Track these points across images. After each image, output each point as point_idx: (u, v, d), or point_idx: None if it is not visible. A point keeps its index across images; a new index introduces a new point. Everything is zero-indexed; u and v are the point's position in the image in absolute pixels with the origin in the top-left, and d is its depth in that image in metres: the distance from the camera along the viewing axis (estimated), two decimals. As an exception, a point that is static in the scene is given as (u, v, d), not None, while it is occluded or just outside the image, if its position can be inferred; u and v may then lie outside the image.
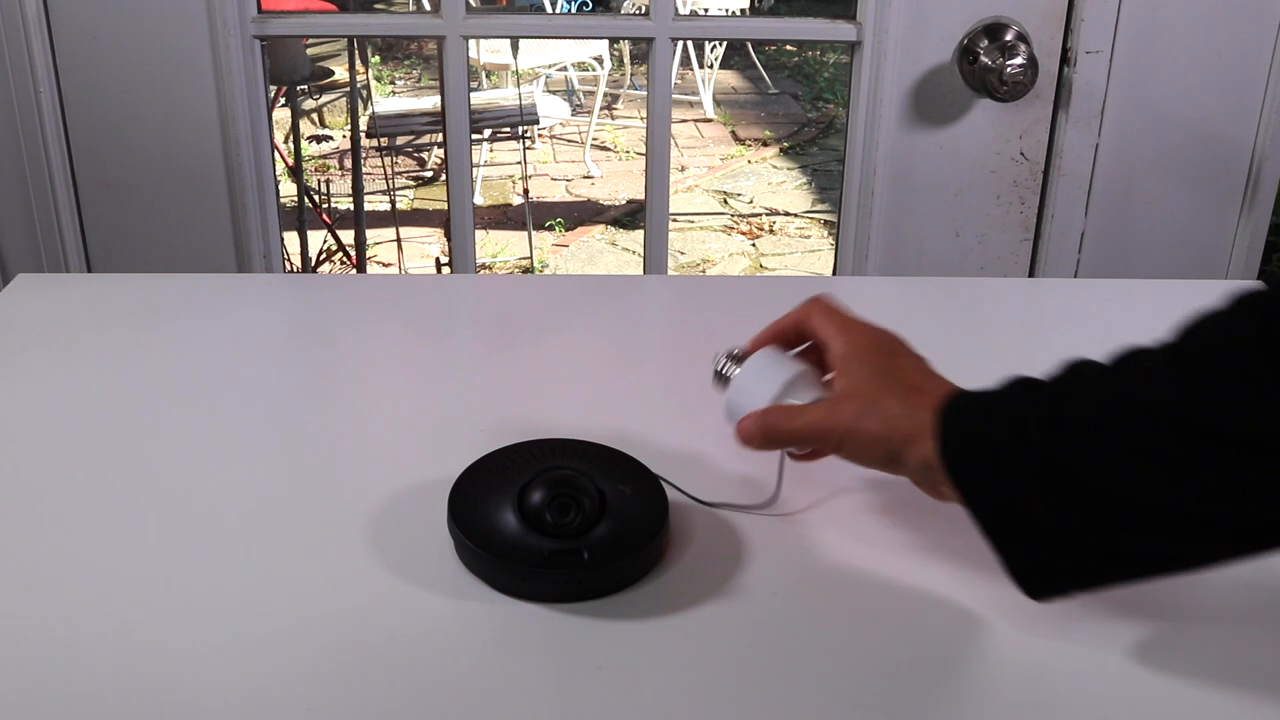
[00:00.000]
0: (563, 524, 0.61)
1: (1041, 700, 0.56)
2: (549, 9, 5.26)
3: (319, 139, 4.70)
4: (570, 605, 0.61)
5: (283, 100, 3.72)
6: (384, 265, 3.66)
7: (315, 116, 4.71)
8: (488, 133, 4.17)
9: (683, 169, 4.77)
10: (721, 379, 0.68)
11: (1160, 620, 0.61)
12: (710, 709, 0.55)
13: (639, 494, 0.66)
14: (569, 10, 5.52)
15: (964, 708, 0.56)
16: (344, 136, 4.61)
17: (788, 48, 6.46)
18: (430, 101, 4.35)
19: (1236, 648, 0.60)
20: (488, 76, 4.71)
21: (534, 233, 4.01)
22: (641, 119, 4.91)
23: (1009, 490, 0.54)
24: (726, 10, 5.15)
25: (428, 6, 5.04)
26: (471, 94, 2.39)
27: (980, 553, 0.66)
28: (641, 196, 2.62)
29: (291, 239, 2.93)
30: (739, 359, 0.68)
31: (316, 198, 3.55)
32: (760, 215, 4.41)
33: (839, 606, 0.62)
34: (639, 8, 5.16)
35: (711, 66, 5.47)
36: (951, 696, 0.56)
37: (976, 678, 0.57)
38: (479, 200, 4.32)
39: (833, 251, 1.95)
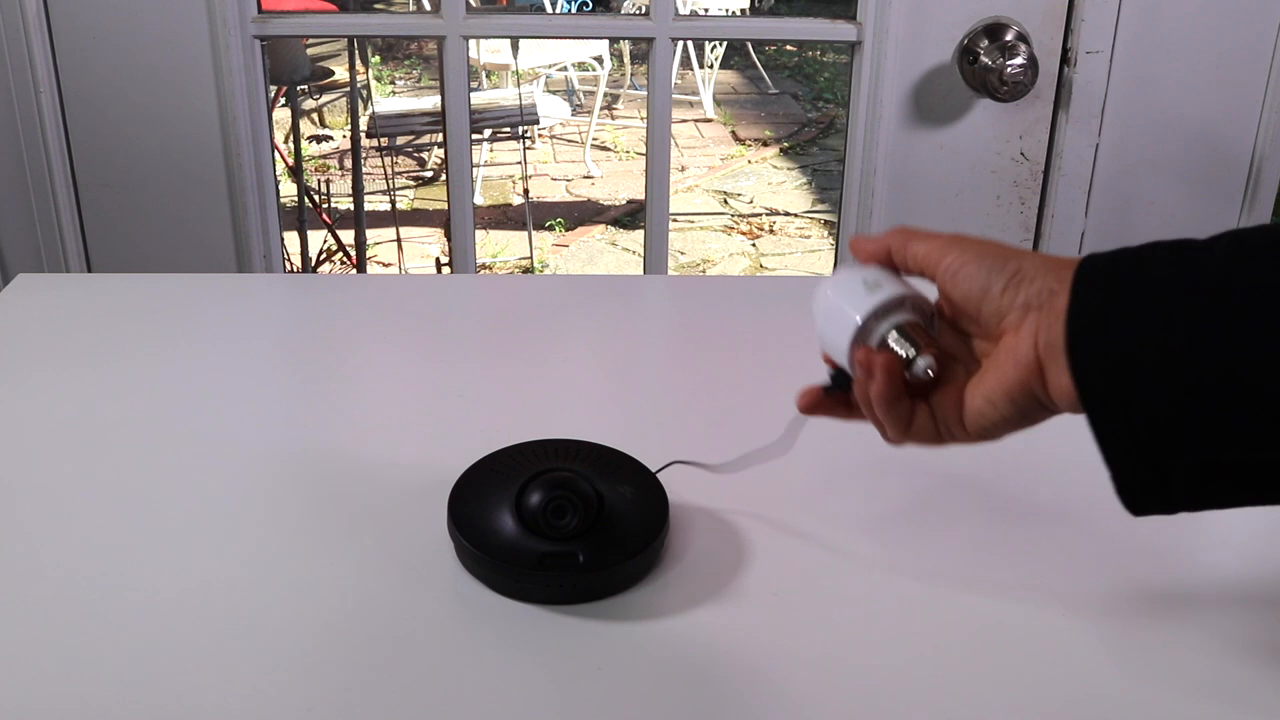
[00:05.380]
0: (559, 526, 0.61)
1: (1041, 702, 0.56)
2: (549, 9, 5.26)
3: (319, 139, 4.70)
4: (570, 606, 0.61)
5: (283, 100, 3.72)
6: (384, 265, 3.66)
7: (315, 116, 4.71)
8: (488, 133, 4.17)
9: (683, 169, 4.77)
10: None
11: (1167, 619, 0.61)
12: (710, 709, 0.55)
13: (639, 496, 0.66)
14: (569, 10, 5.52)
15: (964, 708, 0.56)
16: (344, 136, 4.61)
17: (788, 48, 6.46)
18: (430, 101, 4.35)
19: (1234, 658, 0.60)
20: (488, 76, 4.71)
21: (534, 233, 4.01)
22: (641, 119, 4.91)
23: (1145, 354, 0.47)
24: (726, 10, 5.15)
25: (428, 6, 5.04)
26: (471, 94, 2.39)
27: (980, 554, 0.66)
28: (641, 196, 2.62)
29: (291, 239, 2.93)
30: None
31: (316, 198, 3.55)
32: (760, 215, 4.41)
33: (839, 607, 0.62)
34: (639, 8, 5.16)
35: (711, 66, 5.47)
36: (951, 697, 0.56)
37: (976, 679, 0.57)
38: (479, 200, 4.32)
39: (833, 251, 1.95)
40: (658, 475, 0.68)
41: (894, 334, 0.57)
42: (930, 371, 0.56)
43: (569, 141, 5.08)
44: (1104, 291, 0.49)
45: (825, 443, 0.64)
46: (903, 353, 0.56)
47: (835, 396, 0.60)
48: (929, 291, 0.58)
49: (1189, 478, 0.48)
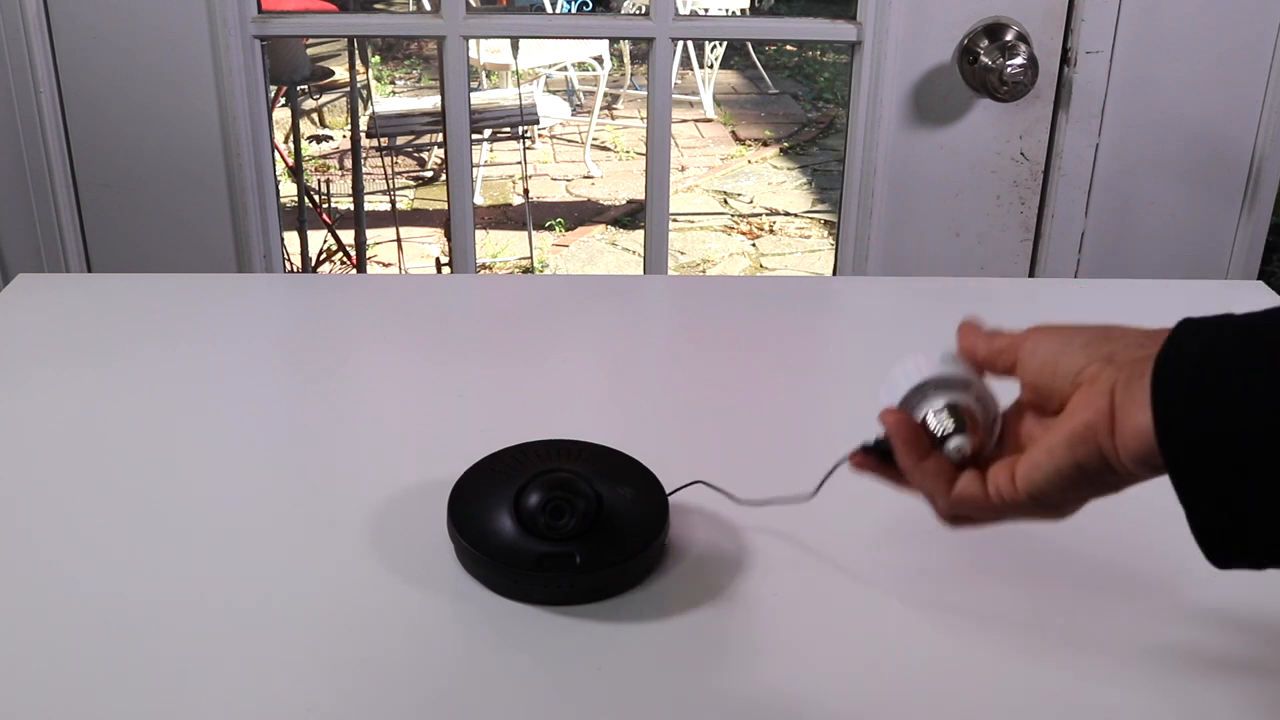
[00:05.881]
0: (557, 527, 0.61)
1: (1041, 705, 0.56)
2: (549, 9, 5.25)
3: (319, 139, 4.70)
4: (569, 607, 0.61)
5: (283, 100, 3.72)
6: (384, 265, 3.66)
7: (315, 116, 4.71)
8: (488, 133, 4.17)
9: (683, 169, 4.77)
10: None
11: (1165, 631, 0.61)
12: (710, 710, 0.55)
13: (639, 497, 0.65)
14: (569, 10, 5.52)
15: (963, 711, 0.56)
16: (344, 136, 4.61)
17: (788, 48, 6.46)
18: (430, 101, 4.35)
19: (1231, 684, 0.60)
20: (488, 76, 4.71)
21: (534, 233, 4.01)
22: (641, 119, 4.91)
23: (1232, 413, 0.44)
24: (726, 10, 5.15)
25: (428, 6, 5.04)
26: (471, 94, 2.39)
27: (981, 563, 0.66)
28: (641, 196, 2.62)
29: (291, 239, 2.93)
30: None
31: (316, 198, 3.55)
32: (760, 215, 4.41)
33: (838, 610, 0.62)
34: (639, 8, 5.16)
35: (711, 66, 5.47)
36: (951, 700, 0.56)
37: (975, 682, 0.57)
38: (479, 200, 4.32)
39: (833, 251, 1.95)
40: (678, 491, 0.67)
41: (944, 408, 0.55)
42: (962, 453, 0.54)
43: (569, 141, 5.08)
44: (1209, 338, 0.46)
45: (826, 448, 0.64)
46: (939, 428, 0.55)
47: (879, 459, 0.58)
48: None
49: (1272, 523, 0.44)
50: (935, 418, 0.55)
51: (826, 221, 4.34)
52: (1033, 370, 0.53)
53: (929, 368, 0.56)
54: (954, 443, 0.54)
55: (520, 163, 4.20)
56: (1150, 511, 0.66)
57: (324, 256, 3.21)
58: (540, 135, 5.01)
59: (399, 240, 3.46)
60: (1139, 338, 0.49)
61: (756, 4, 6.02)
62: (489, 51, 4.50)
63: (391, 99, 5.16)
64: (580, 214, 4.37)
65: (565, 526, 0.61)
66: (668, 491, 0.67)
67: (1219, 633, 0.60)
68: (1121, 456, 0.48)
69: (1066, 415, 0.50)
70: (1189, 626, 0.61)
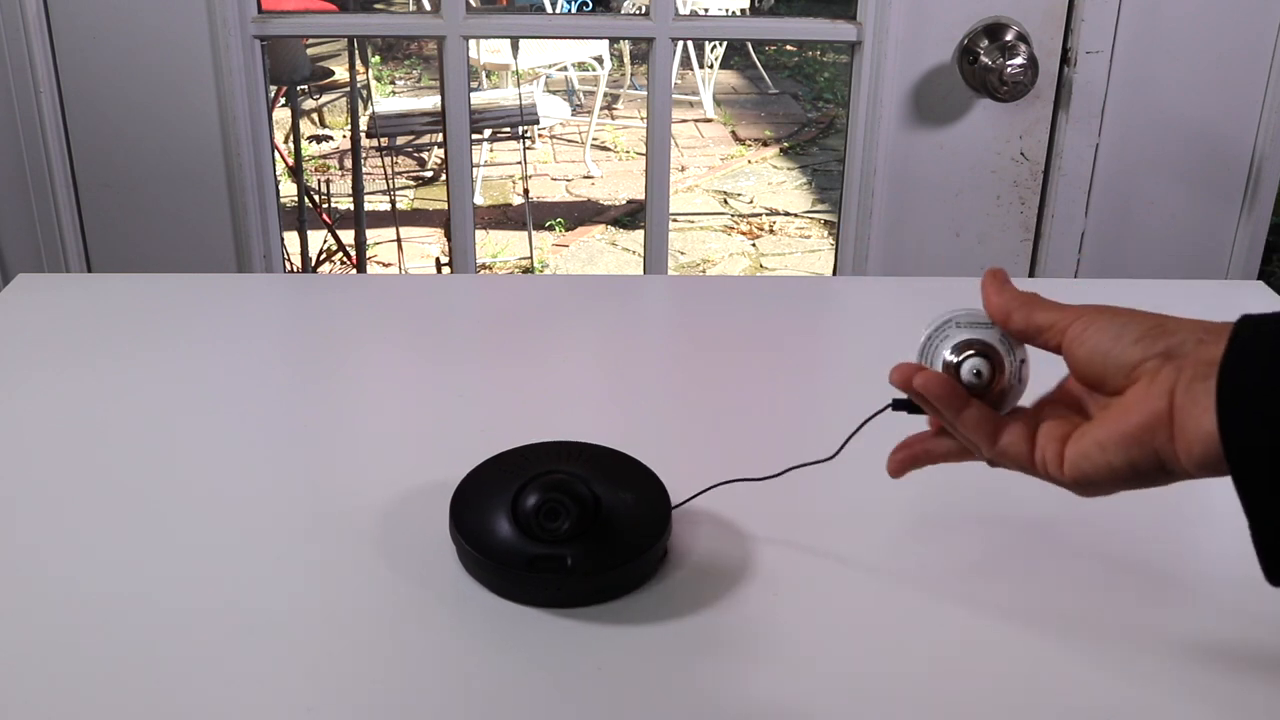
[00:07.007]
0: (551, 529, 0.61)
1: (1041, 707, 0.56)
2: (549, 9, 5.25)
3: (319, 139, 4.70)
4: (570, 609, 0.61)
5: (283, 100, 3.72)
6: (384, 265, 3.66)
7: (315, 116, 4.71)
8: (488, 133, 4.17)
9: (683, 169, 4.77)
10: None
11: (1166, 633, 0.61)
12: (710, 711, 0.55)
13: (640, 501, 0.65)
14: (569, 10, 5.52)
15: (963, 713, 0.56)
16: (344, 136, 4.61)
17: (788, 48, 6.46)
18: (430, 101, 4.35)
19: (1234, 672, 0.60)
20: (488, 76, 4.71)
21: (534, 233, 4.01)
22: (641, 119, 4.91)
23: None
24: (726, 10, 5.15)
25: (428, 6, 5.04)
26: (471, 94, 2.39)
27: (980, 558, 0.66)
28: (641, 196, 2.62)
29: (291, 239, 2.93)
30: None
31: (316, 198, 3.55)
32: (760, 215, 4.41)
33: (838, 613, 0.62)
34: (639, 8, 5.16)
35: (711, 66, 5.47)
36: (951, 702, 0.56)
37: (976, 683, 0.57)
38: (479, 200, 4.32)
39: (833, 251, 1.95)
40: (690, 500, 0.67)
41: (960, 341, 0.55)
42: (980, 374, 0.54)
43: (569, 141, 5.07)
44: (1271, 338, 0.45)
45: (827, 446, 0.64)
46: (954, 358, 0.54)
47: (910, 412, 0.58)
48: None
49: None
50: (951, 349, 0.55)
51: (826, 221, 4.34)
52: (1081, 359, 0.52)
53: (939, 315, 0.56)
54: (967, 365, 0.54)
55: (520, 163, 4.20)
56: (1156, 509, 0.67)
57: (324, 256, 3.21)
58: (540, 135, 5.01)
59: (399, 240, 3.46)
60: (1196, 331, 0.48)
61: (756, 4, 6.02)
62: (489, 51, 4.50)
63: (391, 99, 5.16)
64: (580, 214, 4.37)
65: (559, 529, 0.61)
66: (680, 501, 0.66)
67: (1221, 631, 0.60)
68: (1183, 461, 0.47)
69: (1122, 411, 0.49)
70: (1190, 626, 0.61)
